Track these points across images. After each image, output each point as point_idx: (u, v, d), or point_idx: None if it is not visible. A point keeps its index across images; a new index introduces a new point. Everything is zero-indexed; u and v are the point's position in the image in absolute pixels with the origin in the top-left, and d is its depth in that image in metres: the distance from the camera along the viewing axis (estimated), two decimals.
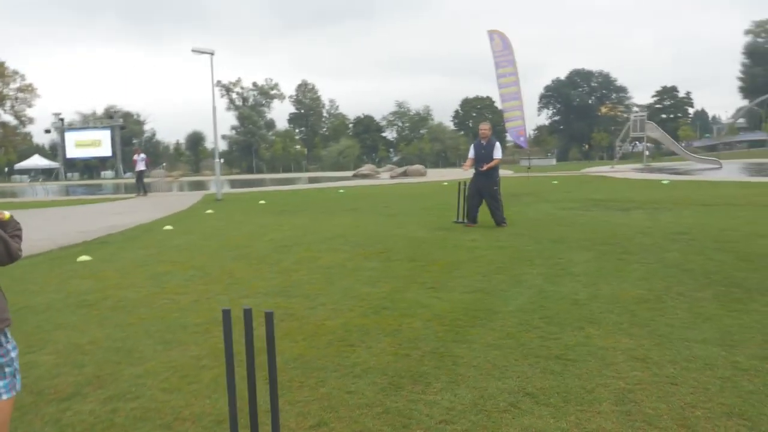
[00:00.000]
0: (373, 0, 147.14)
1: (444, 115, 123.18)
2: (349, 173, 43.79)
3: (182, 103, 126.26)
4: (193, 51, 17.34)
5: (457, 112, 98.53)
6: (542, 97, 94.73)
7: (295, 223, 10.88)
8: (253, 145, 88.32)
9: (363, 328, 4.38)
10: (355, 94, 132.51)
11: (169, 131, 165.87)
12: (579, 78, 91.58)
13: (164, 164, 61.01)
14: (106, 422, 3.02)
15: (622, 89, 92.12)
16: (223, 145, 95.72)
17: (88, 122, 76.77)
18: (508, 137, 24.75)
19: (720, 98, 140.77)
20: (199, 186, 35.49)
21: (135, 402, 3.25)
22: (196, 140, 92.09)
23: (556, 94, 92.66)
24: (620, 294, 4.97)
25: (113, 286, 6.08)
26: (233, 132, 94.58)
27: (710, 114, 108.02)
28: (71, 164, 75.79)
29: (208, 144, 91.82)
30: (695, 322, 4.17)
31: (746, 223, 8.58)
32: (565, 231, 8.59)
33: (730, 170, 24.33)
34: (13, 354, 2.47)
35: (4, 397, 2.42)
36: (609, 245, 7.23)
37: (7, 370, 2.42)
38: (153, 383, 3.48)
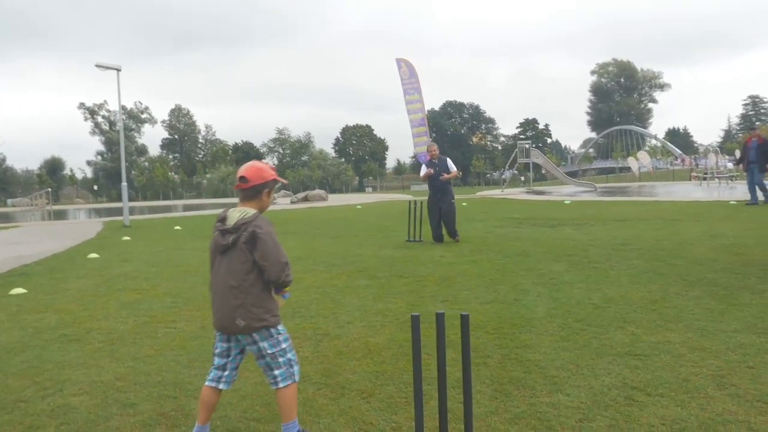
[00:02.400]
0: (237, 27, 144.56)
1: (325, 143, 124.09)
2: (235, 200, 42.39)
3: (37, 128, 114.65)
4: (97, 66, 15.85)
5: (337, 139, 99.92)
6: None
7: None
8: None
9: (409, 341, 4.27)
10: (233, 120, 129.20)
11: (21, 157, 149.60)
12: (452, 109, 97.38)
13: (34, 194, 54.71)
14: None
15: (491, 120, 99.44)
16: (88, 172, 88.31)
17: None
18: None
19: (571, 130, 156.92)
20: (61, 215, 32.29)
21: None
22: (54, 166, 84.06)
23: (431, 124, 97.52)
24: (630, 296, 5.34)
25: (86, 319, 5.36)
26: (99, 158, 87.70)
27: (563, 144, 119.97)
28: None
29: (73, 170, 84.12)
30: (713, 315, 4.61)
31: (668, 234, 9.63)
32: (520, 245, 9.04)
33: (602, 192, 27.01)
34: (284, 345, 2.77)
35: (281, 384, 2.70)
36: (572, 256, 7.73)
37: (280, 359, 2.73)
38: (237, 415, 3.13)
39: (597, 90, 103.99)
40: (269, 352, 2.72)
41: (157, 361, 4.07)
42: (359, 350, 4.14)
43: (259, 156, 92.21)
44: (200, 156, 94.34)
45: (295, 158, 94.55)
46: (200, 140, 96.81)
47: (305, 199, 28.93)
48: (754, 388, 3.16)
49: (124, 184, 18.53)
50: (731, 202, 15.67)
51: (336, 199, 31.68)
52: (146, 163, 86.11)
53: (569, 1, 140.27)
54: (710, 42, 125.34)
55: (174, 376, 3.77)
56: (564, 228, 11.42)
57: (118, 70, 16.32)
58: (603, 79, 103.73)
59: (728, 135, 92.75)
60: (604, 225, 11.46)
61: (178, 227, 14.95)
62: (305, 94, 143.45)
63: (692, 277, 6.07)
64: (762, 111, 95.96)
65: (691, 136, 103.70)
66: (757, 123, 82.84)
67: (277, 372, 2.72)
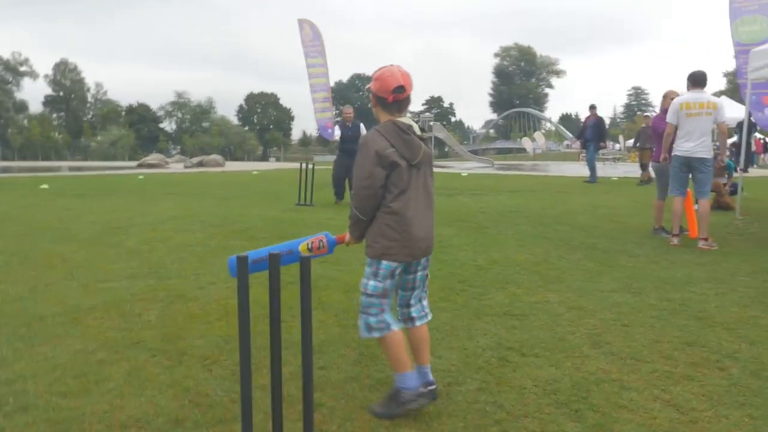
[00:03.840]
0: None
1: (227, 109, 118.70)
2: (125, 164, 39.56)
3: None
4: None
5: (241, 107, 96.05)
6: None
7: (109, 206, 9.24)
8: None
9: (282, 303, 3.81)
10: (127, 80, 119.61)
11: None
12: (359, 82, 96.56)
13: None
14: None
15: None
16: None
17: None
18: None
19: (474, 110, 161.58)
20: None
21: (26, 414, 2.30)
22: None
23: (338, 96, 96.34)
24: (514, 258, 5.20)
25: None
26: None
27: (466, 124, 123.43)
28: None
29: None
30: (592, 276, 4.55)
31: (554, 203, 9.82)
32: None
33: (498, 168, 27.83)
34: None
35: (430, 316, 2.49)
36: (464, 222, 7.59)
37: (385, 301, 2.35)
38: (39, 389, 2.52)
39: (500, 72, 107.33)
40: (427, 273, 2.49)
41: None
42: (215, 313, 3.62)
43: (155, 120, 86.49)
44: (89, 117, 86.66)
45: (195, 124, 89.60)
46: (89, 99, 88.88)
47: (200, 164, 27.32)
48: (627, 346, 3.02)
49: None
50: (613, 179, 16.57)
51: (234, 166, 30.23)
52: (25, 121, 77.74)
53: None
54: (601, 35, 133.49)
55: None
56: (459, 197, 11.39)
57: None
58: (505, 62, 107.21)
59: (613, 122, 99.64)
60: (497, 195, 11.56)
61: (45, 185, 13.36)
62: (207, 58, 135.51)
63: (575, 242, 6.07)
64: (643, 101, 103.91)
65: (582, 122, 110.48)
66: (638, 112, 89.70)
67: (426, 302, 2.51)
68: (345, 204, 9.59)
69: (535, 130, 75.80)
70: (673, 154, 6.02)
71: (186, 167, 26.72)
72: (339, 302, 3.88)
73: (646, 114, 18.19)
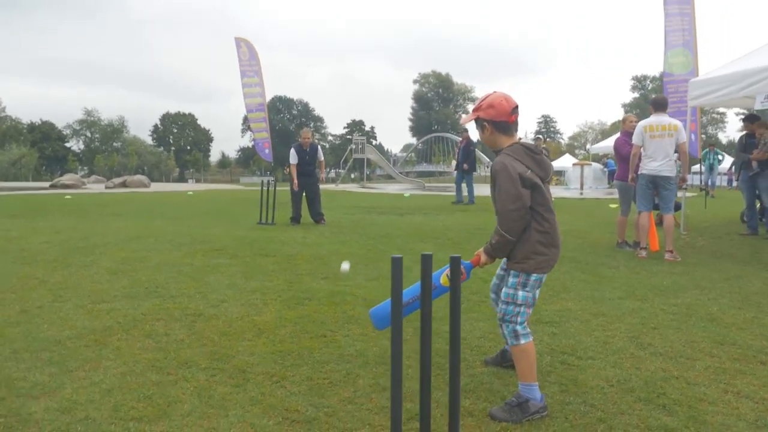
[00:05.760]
0: None
1: (140, 130, 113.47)
2: (34, 184, 36.72)
3: None
4: None
5: (156, 126, 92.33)
6: (246, 119, 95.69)
7: (53, 226, 8.53)
8: None
9: (309, 317, 3.71)
10: (28, 96, 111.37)
11: None
12: (281, 104, 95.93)
13: None
14: None
15: (320, 119, 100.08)
16: None
17: None
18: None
19: (393, 135, 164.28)
20: None
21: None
22: None
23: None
24: None
25: None
26: None
27: (386, 147, 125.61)
28: None
29: None
30: (593, 286, 4.77)
31: None
32: (379, 229, 8.82)
33: (429, 189, 28.47)
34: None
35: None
36: (437, 239, 7.70)
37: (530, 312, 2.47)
38: (104, 415, 2.31)
39: (419, 98, 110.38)
40: None
41: None
42: (247, 330, 3.45)
43: (61, 138, 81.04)
44: None
45: (105, 143, 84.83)
46: None
47: (123, 185, 25.80)
48: (669, 347, 3.20)
49: None
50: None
51: (159, 187, 28.82)
52: None
53: (389, 15, 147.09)
54: (509, 66, 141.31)
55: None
56: (412, 216, 11.55)
57: None
58: (424, 89, 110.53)
59: None
60: (450, 214, 11.83)
61: None
62: (116, 76, 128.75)
63: None
64: (552, 129, 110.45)
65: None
66: (547, 138, 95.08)
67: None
68: (308, 222, 9.46)
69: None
70: (639, 173, 6.47)
71: (108, 188, 25.19)
72: (366, 316, 3.81)
73: (538, 137, 19.38)
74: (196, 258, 5.86)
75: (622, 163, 7.16)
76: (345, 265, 4.27)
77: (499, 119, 2.44)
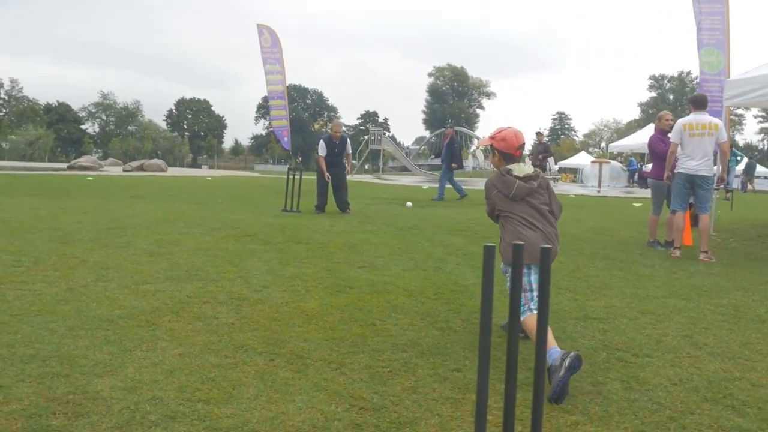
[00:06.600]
0: None
1: (155, 114, 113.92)
2: (51, 165, 37.09)
3: None
4: None
5: (171, 111, 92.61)
6: (260, 107, 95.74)
7: (80, 206, 8.59)
8: None
9: (354, 305, 3.69)
10: (46, 77, 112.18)
11: None
12: (296, 93, 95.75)
13: None
14: None
15: (334, 108, 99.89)
16: None
17: None
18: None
19: (406, 128, 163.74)
20: None
21: (184, 425, 2.09)
22: None
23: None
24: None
25: None
26: None
27: (398, 140, 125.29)
28: None
29: None
30: (633, 284, 4.72)
31: None
32: (405, 220, 8.79)
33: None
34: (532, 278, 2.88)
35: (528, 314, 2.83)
36: (464, 231, 7.67)
37: (528, 294, 2.86)
38: (171, 396, 2.31)
39: (433, 91, 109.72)
40: None
41: (20, 330, 2.94)
42: (295, 316, 3.44)
43: (77, 120, 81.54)
44: (1, 114, 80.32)
45: (120, 126, 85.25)
46: (2, 95, 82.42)
47: (140, 168, 25.95)
48: (725, 347, 3.15)
49: None
50: (571, 195, 17.34)
51: (175, 172, 28.97)
52: None
53: (403, 6, 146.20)
54: (526, 61, 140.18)
55: (54, 348, 2.72)
56: (434, 208, 11.51)
57: None
58: (439, 82, 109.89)
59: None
60: (472, 207, 11.77)
61: None
62: (131, 59, 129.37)
63: (587, 252, 6.29)
64: (566, 126, 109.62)
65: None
66: (562, 136, 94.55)
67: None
68: (332, 211, 9.47)
69: (466, 149, 78.23)
70: (676, 171, 6.38)
71: (125, 171, 25.35)
72: (410, 306, 3.79)
73: (538, 132, 19.15)
74: (230, 243, 5.86)
75: (657, 161, 7.06)
76: (409, 203, 4.42)
77: (507, 152, 3.09)
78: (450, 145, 14.36)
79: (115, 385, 2.35)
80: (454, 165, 14.17)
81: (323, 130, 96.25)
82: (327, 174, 9.47)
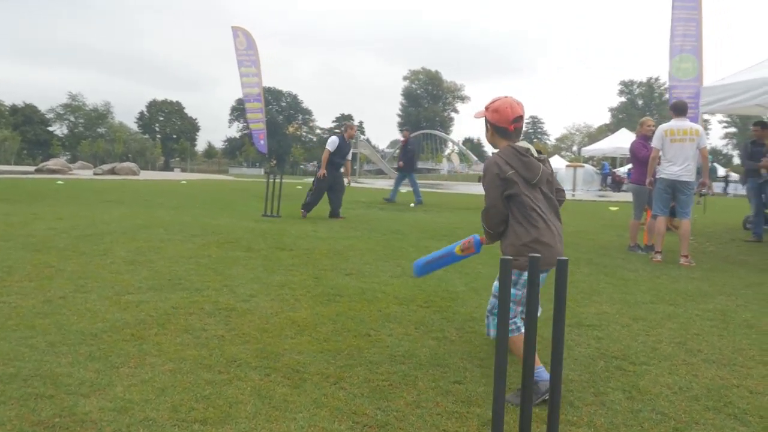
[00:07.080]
0: None
1: (125, 116, 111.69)
2: (17, 168, 36.04)
3: None
4: None
5: (142, 114, 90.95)
6: (233, 109, 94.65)
7: (53, 212, 8.30)
8: None
9: (346, 315, 3.62)
10: (10, 78, 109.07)
11: None
12: (270, 96, 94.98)
13: None
14: None
15: (308, 111, 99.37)
16: None
17: None
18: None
19: (380, 130, 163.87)
20: None
21: None
22: None
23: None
24: None
25: None
26: None
27: (373, 143, 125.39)
28: None
29: None
30: (621, 289, 4.74)
31: None
32: (388, 225, 8.74)
33: (422, 186, 28.44)
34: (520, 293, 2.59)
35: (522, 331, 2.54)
36: (447, 236, 7.64)
37: (519, 309, 2.63)
38: (164, 416, 2.20)
39: (408, 95, 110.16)
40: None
41: None
42: (287, 327, 3.34)
43: (44, 122, 79.41)
44: None
45: (89, 129, 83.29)
46: None
47: (112, 172, 25.35)
48: (719, 354, 3.17)
49: None
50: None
51: (148, 175, 28.35)
52: None
53: (380, 6, 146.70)
54: (499, 66, 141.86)
55: (36, 366, 2.58)
56: (414, 213, 11.48)
57: None
58: (414, 85, 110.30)
59: None
60: (451, 212, 11.78)
61: None
62: (101, 61, 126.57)
63: (571, 257, 6.29)
64: (539, 129, 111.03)
65: (483, 146, 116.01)
66: (534, 140, 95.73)
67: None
68: (313, 216, 9.36)
69: (441, 152, 78.68)
70: (657, 176, 6.46)
71: (96, 174, 24.73)
72: (403, 314, 3.73)
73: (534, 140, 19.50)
74: (212, 250, 5.72)
75: (639, 166, 7.15)
76: (413, 204, 4.34)
77: (500, 125, 2.60)
78: (404, 147, 14.47)
79: (104, 405, 2.23)
80: (400, 163, 14.16)
81: (297, 133, 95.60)
82: (323, 171, 9.28)
